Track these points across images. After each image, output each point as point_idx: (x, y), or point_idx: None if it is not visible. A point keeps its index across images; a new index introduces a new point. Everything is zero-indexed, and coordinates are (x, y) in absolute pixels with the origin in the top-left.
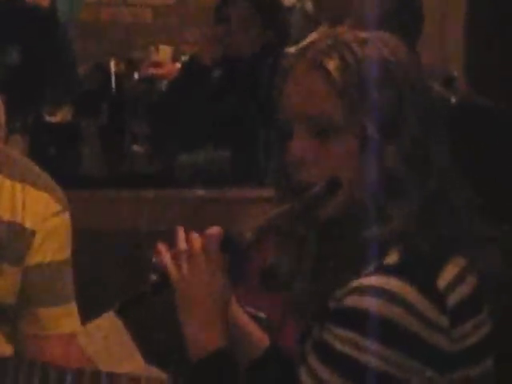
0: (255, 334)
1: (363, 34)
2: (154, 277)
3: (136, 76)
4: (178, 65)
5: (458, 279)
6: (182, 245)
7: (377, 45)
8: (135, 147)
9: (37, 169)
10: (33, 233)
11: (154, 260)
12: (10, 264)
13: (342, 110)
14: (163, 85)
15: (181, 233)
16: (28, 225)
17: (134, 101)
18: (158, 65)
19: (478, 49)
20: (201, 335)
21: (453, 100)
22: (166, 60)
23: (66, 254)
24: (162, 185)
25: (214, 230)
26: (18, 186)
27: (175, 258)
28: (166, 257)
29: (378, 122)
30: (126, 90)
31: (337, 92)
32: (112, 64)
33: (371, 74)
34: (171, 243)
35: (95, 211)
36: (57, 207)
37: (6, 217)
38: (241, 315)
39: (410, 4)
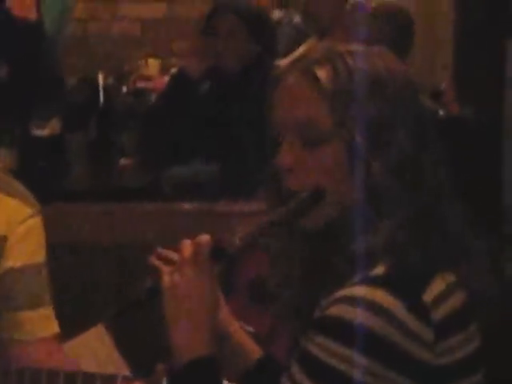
0: (248, 345)
1: (357, 47)
2: (147, 285)
3: (124, 89)
4: (167, 78)
5: (446, 294)
6: (173, 252)
7: (370, 57)
8: (123, 160)
9: (6, 176)
10: (4, 238)
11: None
12: None
13: (330, 118)
14: (152, 98)
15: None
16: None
17: (122, 114)
18: (146, 78)
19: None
20: (186, 341)
21: (440, 112)
22: (154, 73)
23: (40, 257)
24: (149, 198)
25: (204, 238)
26: None
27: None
28: (159, 264)
29: (367, 132)
30: (114, 103)
31: (326, 100)
32: (100, 77)
33: (362, 85)
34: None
35: (83, 225)
36: (28, 212)
37: None
38: (234, 326)
39: (400, 22)
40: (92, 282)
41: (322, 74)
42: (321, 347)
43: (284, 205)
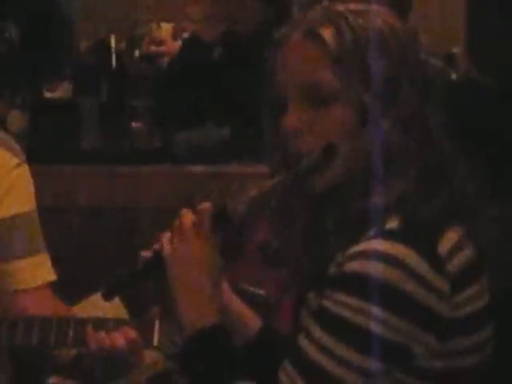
0: (247, 316)
1: (357, 6)
2: (145, 256)
3: (137, 53)
4: (179, 42)
5: (458, 247)
6: (175, 221)
7: (371, 15)
8: (134, 124)
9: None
10: None
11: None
12: None
13: (337, 76)
14: (164, 62)
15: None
16: None
17: (134, 78)
18: (159, 42)
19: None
20: (193, 310)
21: (453, 76)
22: (167, 37)
23: (29, 205)
24: (161, 161)
25: (204, 206)
26: None
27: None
28: (163, 235)
29: (374, 89)
30: (126, 66)
31: (332, 59)
32: (112, 41)
33: (366, 43)
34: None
35: (93, 186)
36: (13, 162)
37: None
38: (232, 298)
39: None
40: (100, 243)
41: (325, 34)
42: (342, 304)
43: (289, 169)
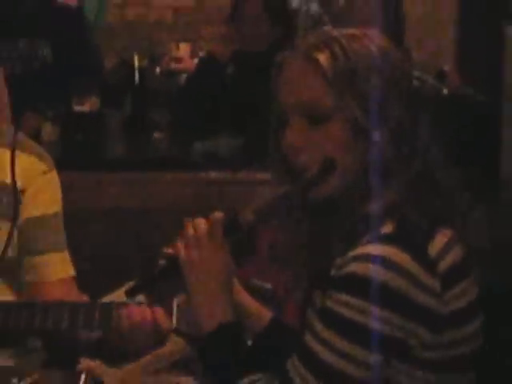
0: (257, 311)
1: (351, 31)
2: (162, 261)
3: (158, 70)
4: (196, 60)
5: (447, 248)
6: (190, 230)
7: (364, 39)
8: (156, 134)
9: (23, 136)
10: (23, 191)
11: (164, 249)
12: (5, 220)
13: (332, 97)
14: (182, 78)
15: (188, 221)
16: (18, 184)
17: (155, 92)
18: (177, 60)
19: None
20: (207, 310)
21: (445, 91)
22: (185, 56)
23: (55, 207)
24: (180, 168)
25: (217, 216)
26: (8, 152)
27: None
28: (177, 242)
29: (366, 108)
30: (148, 82)
31: (327, 81)
32: (136, 59)
33: (358, 66)
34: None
35: (118, 191)
36: (42, 167)
37: (7, 181)
38: (243, 294)
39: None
40: (124, 241)
41: (321, 58)
42: (343, 303)
43: (291, 180)
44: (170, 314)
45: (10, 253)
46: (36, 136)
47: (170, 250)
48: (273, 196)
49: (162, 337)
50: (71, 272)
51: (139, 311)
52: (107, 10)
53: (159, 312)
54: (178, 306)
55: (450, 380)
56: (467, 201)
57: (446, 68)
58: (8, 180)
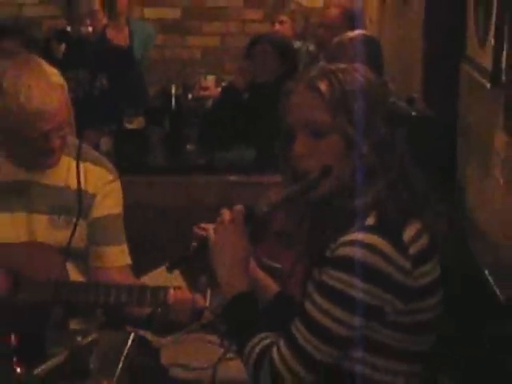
0: (269, 283)
1: (344, 65)
2: (194, 243)
3: (190, 96)
4: (219, 89)
5: (417, 236)
6: (218, 218)
7: (353, 72)
8: (188, 146)
9: (94, 152)
10: (93, 196)
11: (195, 231)
12: (83, 219)
13: (330, 117)
14: (208, 103)
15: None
16: (89, 190)
17: (187, 114)
18: (205, 89)
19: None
20: (230, 280)
21: (413, 113)
22: (210, 85)
23: (118, 209)
24: (206, 172)
25: (239, 207)
26: (81, 164)
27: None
28: (208, 227)
29: (356, 126)
30: (182, 106)
31: (326, 104)
32: (173, 88)
33: (350, 92)
34: (211, 216)
35: (160, 191)
36: (109, 177)
37: (74, 186)
38: (257, 270)
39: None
40: (165, 229)
41: (322, 86)
42: (335, 279)
43: (297, 181)
44: (204, 296)
45: (81, 244)
46: (95, 148)
47: (200, 232)
48: (282, 194)
49: (199, 313)
50: (128, 261)
51: (181, 293)
52: (150, 49)
53: (196, 294)
54: (210, 291)
55: (417, 340)
56: (432, 199)
57: (415, 95)
58: (83, 187)
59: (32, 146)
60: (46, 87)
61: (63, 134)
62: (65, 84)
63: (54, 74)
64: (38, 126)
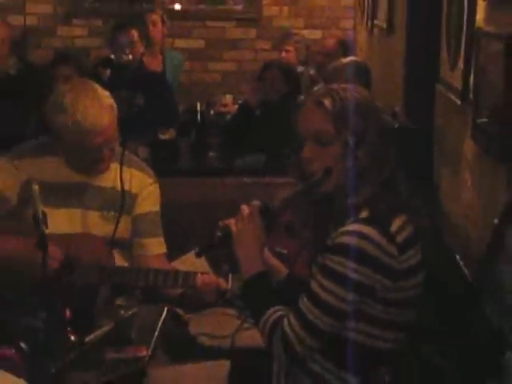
0: (279, 267)
1: (342, 85)
2: (219, 233)
3: (212, 112)
4: (236, 106)
5: (402, 227)
6: (239, 212)
7: (351, 91)
8: (211, 153)
9: (137, 159)
10: (136, 195)
11: (220, 224)
12: (126, 214)
13: (332, 128)
14: (227, 117)
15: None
16: (133, 191)
17: (210, 126)
18: (224, 106)
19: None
20: (249, 264)
21: (396, 125)
22: (229, 103)
23: (156, 207)
24: (226, 175)
25: (256, 203)
26: (127, 169)
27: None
28: (231, 221)
29: (354, 136)
30: (206, 120)
31: (329, 117)
32: (198, 105)
33: (349, 107)
34: (230, 210)
35: (189, 190)
36: (149, 181)
37: (120, 187)
38: (270, 256)
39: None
40: (190, 225)
41: (326, 102)
42: (335, 262)
43: (304, 181)
44: (227, 280)
45: (125, 235)
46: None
47: (224, 224)
48: (292, 192)
49: (222, 294)
50: (164, 250)
51: (207, 277)
52: (180, 74)
53: (219, 278)
54: (231, 275)
55: (402, 313)
56: (414, 197)
57: (397, 110)
58: (128, 188)
59: (87, 155)
60: (99, 107)
61: (112, 147)
62: (114, 104)
63: (105, 96)
64: (92, 139)
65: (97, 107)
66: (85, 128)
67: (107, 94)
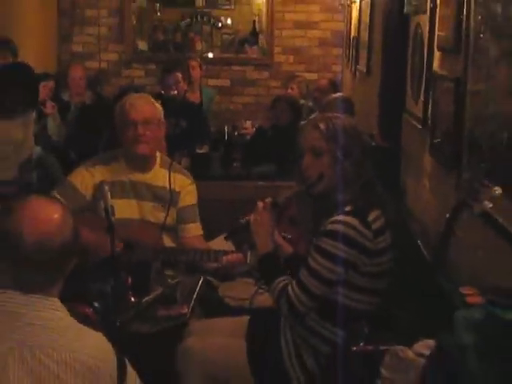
0: (287, 247)
1: (334, 114)
2: (242, 221)
3: (236, 133)
4: (254, 129)
5: (377, 218)
6: (255, 207)
7: (340, 118)
8: (235, 163)
9: (179, 166)
10: (179, 193)
11: (241, 220)
12: (173, 207)
13: (325, 144)
14: (247, 137)
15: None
16: (177, 189)
17: (235, 144)
18: (245, 129)
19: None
20: (263, 245)
21: (373, 144)
22: (248, 126)
23: (195, 201)
24: (246, 180)
25: (267, 200)
26: (172, 173)
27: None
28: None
29: (342, 150)
30: (231, 139)
31: (323, 137)
32: (225, 128)
33: (338, 131)
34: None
35: (219, 191)
36: (189, 181)
37: (167, 186)
38: (280, 239)
39: (351, 106)
40: (220, 218)
41: (321, 126)
42: (326, 243)
43: (303, 183)
44: (246, 256)
45: (172, 222)
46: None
47: (246, 217)
48: (294, 191)
49: (242, 266)
50: (201, 232)
51: (232, 255)
52: (212, 104)
53: (241, 255)
54: (249, 252)
55: (377, 282)
56: (386, 196)
57: (374, 132)
58: (173, 187)
59: (128, 131)
60: (144, 99)
61: (149, 131)
62: (158, 105)
63: (161, 111)
64: (131, 115)
65: (143, 98)
66: (127, 107)
67: (161, 109)
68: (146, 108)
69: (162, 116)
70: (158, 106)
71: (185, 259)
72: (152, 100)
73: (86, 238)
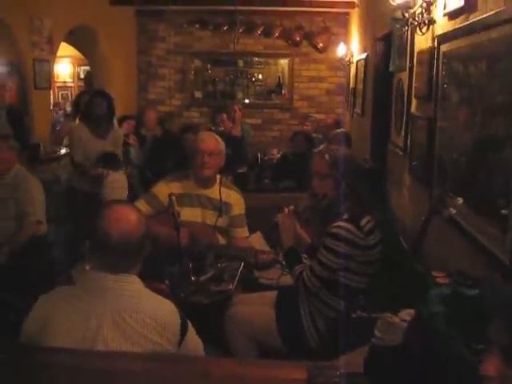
0: (305, 237)
1: (336, 147)
2: (275, 219)
3: (266, 157)
4: (279, 155)
5: (368, 222)
6: (281, 211)
7: (341, 150)
8: (265, 180)
9: (230, 182)
10: (231, 204)
11: (274, 219)
12: (225, 215)
13: (329, 169)
14: (274, 161)
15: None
16: (230, 202)
17: (265, 166)
18: (273, 154)
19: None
20: (287, 240)
21: (367, 166)
22: (275, 153)
23: (243, 211)
24: (273, 192)
25: (290, 207)
26: (227, 190)
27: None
28: (279, 216)
29: (340, 174)
30: (263, 162)
31: (328, 165)
32: (259, 154)
33: (339, 158)
34: (277, 211)
35: (254, 200)
36: (239, 196)
37: (224, 200)
38: (301, 231)
39: (349, 139)
40: (257, 219)
41: (326, 156)
42: (329, 242)
43: (313, 198)
44: (278, 256)
45: (224, 225)
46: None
47: (275, 219)
48: (308, 203)
49: (273, 259)
50: (247, 234)
51: (265, 254)
52: (249, 137)
53: (273, 255)
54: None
55: (368, 268)
56: (376, 206)
57: (367, 157)
58: (229, 200)
59: (197, 159)
60: (213, 137)
61: (211, 161)
62: (221, 141)
63: (222, 145)
64: (200, 147)
65: (210, 135)
66: (198, 140)
67: (222, 142)
68: (211, 142)
69: (224, 148)
70: (221, 141)
71: (233, 254)
72: (217, 137)
73: (161, 232)
